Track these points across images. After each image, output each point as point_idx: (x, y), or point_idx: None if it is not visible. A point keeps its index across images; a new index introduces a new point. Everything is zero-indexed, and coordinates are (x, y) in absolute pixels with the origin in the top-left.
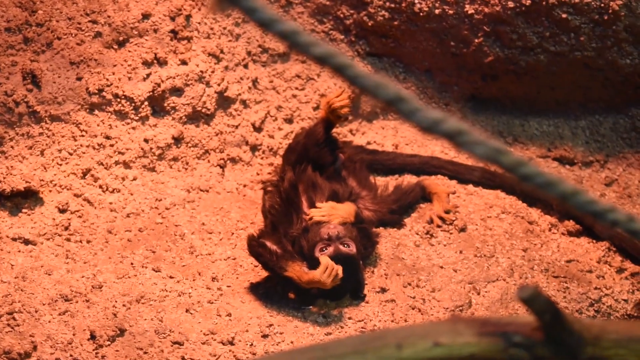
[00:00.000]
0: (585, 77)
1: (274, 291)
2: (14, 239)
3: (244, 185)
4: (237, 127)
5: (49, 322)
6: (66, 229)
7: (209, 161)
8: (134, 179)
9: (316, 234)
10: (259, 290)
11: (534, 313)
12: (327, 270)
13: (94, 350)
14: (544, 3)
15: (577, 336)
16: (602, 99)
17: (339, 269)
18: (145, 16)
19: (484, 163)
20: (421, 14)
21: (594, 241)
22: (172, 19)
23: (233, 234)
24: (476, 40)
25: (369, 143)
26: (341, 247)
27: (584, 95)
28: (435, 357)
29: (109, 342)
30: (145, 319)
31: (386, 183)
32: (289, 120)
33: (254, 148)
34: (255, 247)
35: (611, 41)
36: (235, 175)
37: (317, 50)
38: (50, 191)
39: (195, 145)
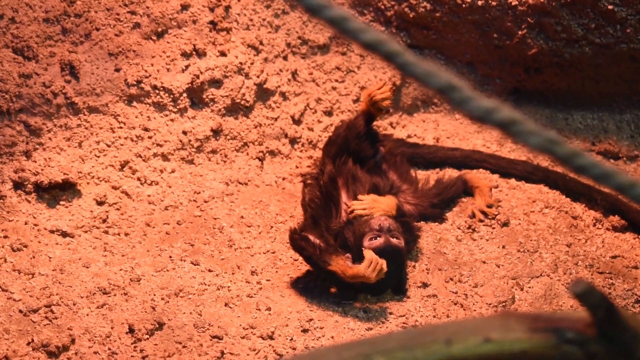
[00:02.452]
0: (631, 69)
1: (315, 285)
2: (52, 232)
3: (283, 179)
4: (276, 119)
5: (87, 315)
6: (104, 221)
7: (247, 154)
8: (172, 172)
9: (366, 224)
10: (298, 285)
11: (588, 308)
12: (371, 265)
13: (132, 344)
14: None
15: (632, 332)
16: None
17: (384, 263)
18: (184, 7)
19: (536, 154)
20: (464, 5)
21: None
22: (211, 10)
23: (272, 227)
24: (519, 32)
25: (409, 136)
26: (391, 239)
27: (629, 88)
28: (485, 353)
29: (147, 336)
30: (184, 313)
31: (427, 177)
32: (329, 113)
33: (293, 141)
34: (297, 240)
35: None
36: (274, 168)
37: (366, 36)
38: (88, 183)
39: (234, 138)
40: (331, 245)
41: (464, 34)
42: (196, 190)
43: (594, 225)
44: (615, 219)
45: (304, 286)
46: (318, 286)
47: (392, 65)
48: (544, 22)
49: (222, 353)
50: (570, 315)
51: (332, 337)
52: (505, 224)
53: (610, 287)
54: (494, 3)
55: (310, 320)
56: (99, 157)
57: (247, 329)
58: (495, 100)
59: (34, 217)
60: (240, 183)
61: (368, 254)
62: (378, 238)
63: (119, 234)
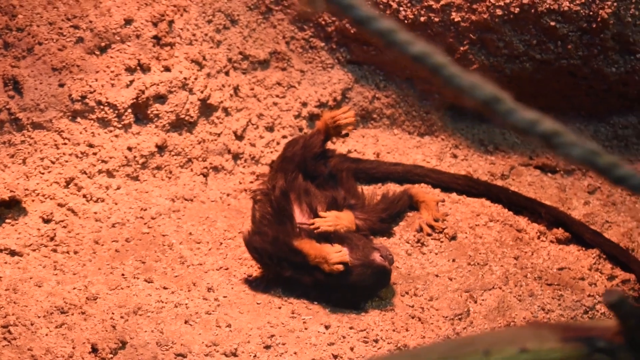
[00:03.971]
0: (569, 85)
1: (272, 301)
2: (0, 250)
3: (227, 195)
4: (219, 135)
5: (46, 335)
6: (52, 239)
7: (192, 170)
8: (118, 188)
9: (372, 250)
10: (256, 301)
11: (619, 318)
12: (339, 252)
13: None
14: (532, 11)
15: None
16: (584, 107)
17: (347, 255)
18: (128, 21)
19: (577, 164)
20: (406, 21)
21: (584, 249)
22: (155, 24)
23: (222, 243)
24: (461, 48)
25: (349, 151)
26: (389, 265)
27: (567, 103)
28: None
29: (111, 355)
30: (146, 331)
31: (371, 192)
32: (270, 129)
33: (235, 156)
34: (253, 234)
35: (598, 49)
36: (218, 184)
37: (414, 49)
38: (33, 201)
39: (179, 154)
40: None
41: None
42: (142, 207)
43: (539, 237)
44: (559, 231)
45: (261, 303)
46: (275, 301)
47: (438, 76)
48: (486, 38)
49: None
50: (599, 324)
51: (295, 353)
52: (453, 238)
53: (560, 299)
54: (436, 19)
55: (272, 336)
56: (43, 174)
57: (209, 346)
58: (536, 112)
59: None
60: (185, 199)
61: (338, 246)
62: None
63: (68, 252)
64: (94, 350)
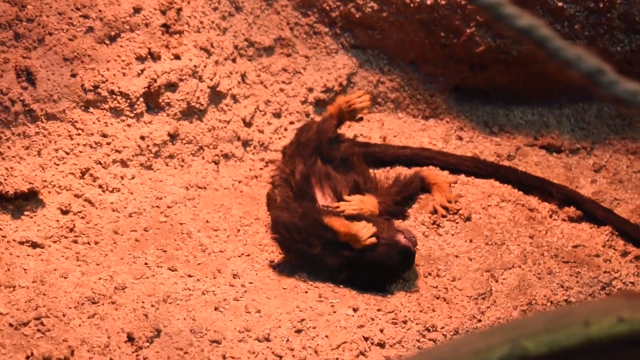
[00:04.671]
0: None
1: (298, 286)
2: (21, 243)
3: (239, 182)
4: (228, 122)
5: (79, 326)
6: (71, 230)
7: (203, 158)
8: (133, 178)
9: (397, 232)
10: (281, 285)
11: None
12: (366, 227)
13: (133, 352)
14: None
15: None
16: (587, 86)
17: (374, 230)
18: (137, 10)
19: None
20: (412, 4)
21: (596, 226)
22: (163, 12)
23: (239, 230)
24: (468, 31)
25: (356, 136)
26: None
27: (570, 83)
28: (618, 332)
29: (147, 344)
30: (178, 319)
31: (384, 175)
32: (277, 115)
33: (245, 143)
34: (284, 213)
35: (604, 29)
36: (229, 171)
37: (521, 22)
38: (49, 192)
39: (190, 142)
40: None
41: (410, 33)
42: (158, 196)
43: (551, 216)
44: (570, 210)
45: (287, 288)
46: (301, 286)
47: (543, 50)
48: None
49: (224, 357)
50: None
51: (327, 336)
52: (468, 219)
53: (577, 276)
54: (442, 2)
55: (302, 320)
56: (58, 165)
57: (242, 332)
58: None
59: (1, 229)
60: (199, 187)
61: (363, 222)
62: (406, 239)
63: (88, 243)
64: (130, 339)
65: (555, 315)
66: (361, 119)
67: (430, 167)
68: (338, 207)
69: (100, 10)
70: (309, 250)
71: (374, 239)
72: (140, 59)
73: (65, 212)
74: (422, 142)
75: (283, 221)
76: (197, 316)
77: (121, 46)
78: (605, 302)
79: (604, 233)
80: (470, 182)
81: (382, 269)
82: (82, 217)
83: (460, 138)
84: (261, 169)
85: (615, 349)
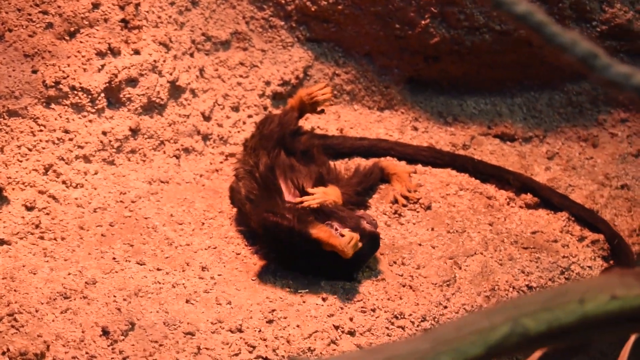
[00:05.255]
0: (526, 55)
1: (266, 276)
2: None
3: (200, 175)
4: (188, 116)
5: (53, 321)
6: (37, 226)
7: (164, 152)
8: (96, 173)
9: (357, 222)
10: (249, 277)
11: None
12: (352, 241)
13: (109, 346)
14: None
15: None
16: (539, 76)
17: (358, 239)
18: (95, 5)
19: None
20: None
21: (552, 212)
22: (122, 8)
23: (204, 223)
24: (422, 22)
25: (313, 129)
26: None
27: (522, 73)
28: (612, 309)
29: (122, 337)
30: (151, 312)
31: (343, 167)
32: (236, 109)
33: (205, 137)
34: (271, 217)
35: (556, 18)
36: (190, 165)
37: (519, 8)
38: (13, 189)
39: (151, 137)
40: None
41: (365, 25)
42: (121, 191)
43: (508, 204)
44: (527, 197)
45: (256, 279)
46: (269, 277)
47: (539, 35)
48: (447, 12)
49: (199, 348)
50: None
51: (298, 326)
52: (429, 208)
53: (537, 261)
54: None
55: (273, 310)
56: (21, 161)
57: (215, 323)
58: (630, 66)
59: None
60: (162, 182)
61: (348, 233)
62: (369, 224)
63: (55, 239)
64: (105, 332)
65: (552, 294)
66: (322, 111)
67: (388, 157)
68: (302, 203)
69: (59, 6)
70: (287, 249)
71: (359, 245)
72: (101, 54)
73: (30, 209)
74: (378, 134)
75: (267, 226)
76: (170, 309)
77: (81, 42)
78: (599, 281)
79: (560, 219)
80: (428, 172)
81: (351, 258)
82: (47, 214)
83: (416, 129)
84: (221, 162)
85: (608, 325)
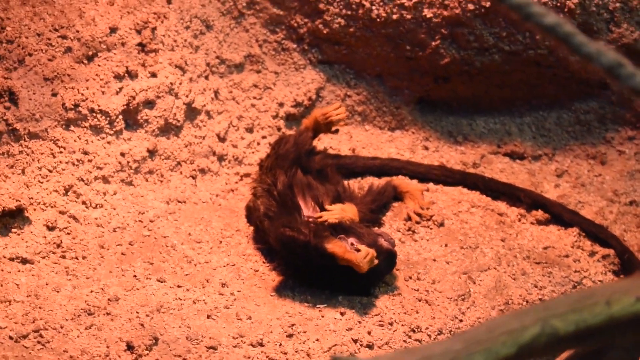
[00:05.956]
0: (534, 74)
1: (285, 292)
2: (12, 259)
3: (216, 195)
4: (203, 138)
5: (78, 337)
6: (58, 246)
7: (181, 172)
8: (115, 194)
9: (375, 235)
10: (268, 292)
11: None
12: (367, 256)
13: None
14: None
15: None
16: (547, 95)
17: (374, 255)
18: (113, 30)
19: None
20: (378, 20)
21: (563, 228)
22: (139, 32)
23: (221, 242)
24: (433, 43)
25: (325, 149)
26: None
27: (531, 92)
28: (637, 311)
29: (147, 352)
30: (173, 327)
31: (358, 185)
32: (250, 130)
33: (220, 158)
34: (287, 231)
35: None
36: (206, 185)
37: (547, 20)
38: (34, 210)
39: (168, 158)
40: (318, 234)
41: (376, 47)
42: (140, 211)
43: (519, 220)
44: (538, 213)
45: (275, 295)
46: (288, 292)
47: (567, 45)
48: (457, 33)
49: None
50: None
51: (317, 340)
52: (441, 224)
53: (549, 275)
54: (408, 16)
55: (293, 325)
56: (42, 182)
57: (236, 337)
58: None
59: None
60: (179, 202)
61: (364, 248)
62: (386, 242)
63: (76, 258)
64: (130, 347)
65: (580, 296)
66: (337, 131)
67: (400, 176)
68: (321, 217)
69: (77, 31)
70: (304, 264)
71: (375, 262)
72: (118, 77)
73: (51, 229)
74: (389, 153)
75: (284, 240)
76: (192, 324)
77: (99, 65)
78: (624, 283)
79: (571, 234)
80: (440, 190)
81: (368, 274)
82: (68, 233)
83: (427, 148)
84: (236, 182)
85: (634, 326)
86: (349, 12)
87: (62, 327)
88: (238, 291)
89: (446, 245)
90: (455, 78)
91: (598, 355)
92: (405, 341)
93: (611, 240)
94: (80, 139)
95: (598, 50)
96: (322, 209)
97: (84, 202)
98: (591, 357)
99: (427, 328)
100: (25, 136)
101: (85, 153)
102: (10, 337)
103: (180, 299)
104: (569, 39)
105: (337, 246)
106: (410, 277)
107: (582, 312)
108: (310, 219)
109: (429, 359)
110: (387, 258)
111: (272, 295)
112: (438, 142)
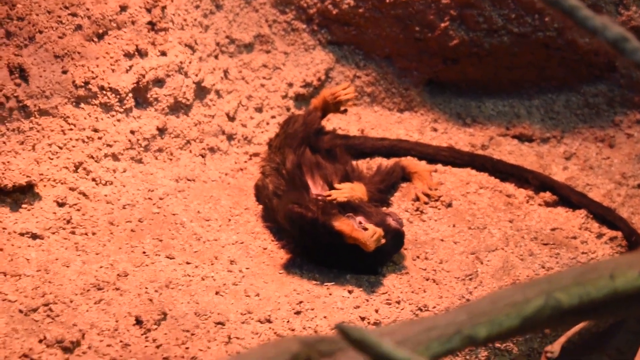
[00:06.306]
0: (543, 57)
1: (294, 270)
2: (22, 234)
3: (226, 174)
4: (213, 117)
5: (87, 311)
6: (68, 222)
7: (190, 151)
8: (124, 171)
9: (384, 215)
10: (277, 270)
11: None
12: (375, 235)
13: (142, 334)
14: None
15: None
16: (556, 77)
17: (382, 235)
18: (123, 8)
19: None
20: (388, 0)
21: (571, 210)
22: (149, 10)
23: (230, 220)
24: (442, 25)
25: (334, 129)
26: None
27: (539, 74)
28: None
29: (155, 326)
30: (182, 303)
31: (366, 165)
32: (259, 110)
33: (230, 137)
34: (296, 208)
35: None
36: (215, 164)
37: None
38: (45, 186)
39: (177, 136)
40: (326, 212)
41: (385, 28)
42: (149, 188)
43: (527, 202)
44: (546, 195)
45: (283, 272)
46: (296, 270)
47: (572, 19)
48: (466, 14)
49: (229, 338)
50: None
51: (325, 317)
52: (449, 205)
53: (557, 257)
54: None
55: (300, 302)
56: (52, 159)
57: (244, 314)
58: None
59: (1, 222)
60: (188, 180)
61: (371, 227)
62: (394, 221)
63: (86, 234)
64: (139, 322)
65: (584, 269)
66: (345, 110)
67: (408, 157)
68: (330, 196)
69: (87, 9)
70: (312, 241)
71: (382, 241)
72: (128, 55)
73: (61, 205)
74: (398, 134)
75: (292, 217)
76: (200, 300)
77: (109, 43)
78: (628, 257)
79: (579, 216)
80: (448, 171)
81: (376, 253)
82: (78, 210)
83: (435, 130)
84: (245, 161)
85: (636, 300)
86: None
87: (71, 302)
88: (246, 268)
89: (454, 225)
90: (464, 60)
91: (606, 337)
92: (412, 319)
93: (619, 222)
94: (90, 116)
95: (603, 24)
96: (331, 187)
97: (93, 179)
98: (599, 338)
99: (434, 307)
100: (35, 113)
101: (95, 130)
102: (20, 311)
103: (189, 275)
104: (573, 12)
105: (344, 224)
106: (418, 257)
107: (586, 286)
108: (320, 197)
109: (433, 329)
110: (395, 237)
111: (280, 273)
112: (447, 124)
